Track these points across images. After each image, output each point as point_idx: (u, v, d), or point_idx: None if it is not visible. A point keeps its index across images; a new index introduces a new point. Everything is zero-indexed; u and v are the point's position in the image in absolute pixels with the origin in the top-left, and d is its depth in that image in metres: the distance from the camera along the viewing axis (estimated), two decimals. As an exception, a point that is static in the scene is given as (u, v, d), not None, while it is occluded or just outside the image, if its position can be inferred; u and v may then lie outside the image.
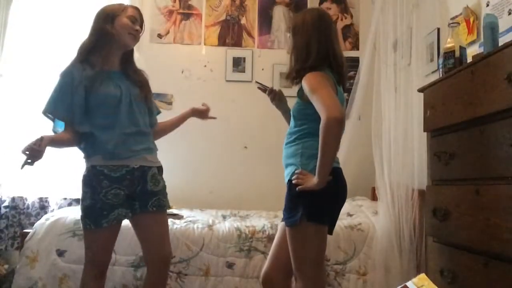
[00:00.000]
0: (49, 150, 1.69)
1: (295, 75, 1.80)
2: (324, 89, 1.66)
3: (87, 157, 1.86)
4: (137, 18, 1.92)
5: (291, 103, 1.91)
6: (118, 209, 1.80)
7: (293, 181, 1.69)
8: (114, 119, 1.83)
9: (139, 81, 1.95)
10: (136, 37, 1.91)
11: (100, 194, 1.78)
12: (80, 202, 1.85)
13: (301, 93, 1.78)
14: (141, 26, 1.95)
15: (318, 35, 1.77)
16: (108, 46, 1.87)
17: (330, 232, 1.82)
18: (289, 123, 1.97)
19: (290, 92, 2.09)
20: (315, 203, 1.67)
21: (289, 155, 1.80)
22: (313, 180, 1.64)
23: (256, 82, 2.10)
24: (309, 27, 1.79)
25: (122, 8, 1.90)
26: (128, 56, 1.97)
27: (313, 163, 1.67)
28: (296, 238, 1.72)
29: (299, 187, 1.66)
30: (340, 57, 1.81)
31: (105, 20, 1.86)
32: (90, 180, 1.81)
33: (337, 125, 1.58)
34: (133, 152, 1.86)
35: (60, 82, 1.82)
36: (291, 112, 1.86)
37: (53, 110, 1.83)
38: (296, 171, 1.71)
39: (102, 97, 1.81)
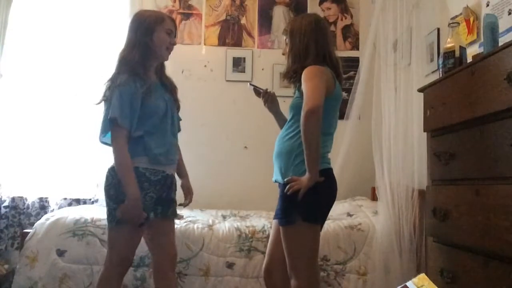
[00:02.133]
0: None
1: (292, 74, 1.86)
2: (315, 80, 1.71)
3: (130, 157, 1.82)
4: (173, 30, 1.96)
5: (288, 103, 1.92)
6: (151, 212, 1.85)
7: (288, 193, 1.71)
8: (161, 128, 1.90)
9: (173, 89, 2.04)
10: (171, 50, 1.97)
11: (140, 195, 1.80)
12: (113, 200, 1.82)
13: (300, 86, 1.81)
14: (175, 35, 2.00)
15: (315, 37, 1.85)
16: (150, 59, 1.92)
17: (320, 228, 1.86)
18: (280, 126, 2.02)
19: (290, 93, 2.09)
20: (309, 204, 1.71)
21: (282, 151, 1.83)
22: (306, 179, 1.68)
23: (250, 84, 2.09)
24: (307, 30, 1.85)
25: (160, 20, 1.92)
26: (161, 65, 2.02)
27: (305, 166, 1.70)
28: (291, 238, 1.76)
29: (300, 192, 1.68)
30: (336, 59, 1.89)
31: (146, 33, 1.88)
32: None
33: (311, 117, 1.64)
34: (171, 160, 1.95)
35: (121, 91, 1.80)
36: (289, 107, 1.89)
37: (121, 118, 1.78)
38: (286, 180, 1.74)
39: (154, 108, 1.87)
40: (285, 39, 1.94)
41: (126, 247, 1.87)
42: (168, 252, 1.98)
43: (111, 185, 1.84)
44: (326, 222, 2.52)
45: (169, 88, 2.03)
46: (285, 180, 1.75)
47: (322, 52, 1.83)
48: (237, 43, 3.75)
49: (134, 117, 1.82)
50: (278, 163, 1.85)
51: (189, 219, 2.69)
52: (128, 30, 1.93)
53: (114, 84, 1.83)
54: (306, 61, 1.80)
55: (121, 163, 1.80)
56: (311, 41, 1.83)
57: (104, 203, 1.90)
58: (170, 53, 1.98)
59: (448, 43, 1.85)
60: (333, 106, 1.84)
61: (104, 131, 1.88)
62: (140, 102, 1.82)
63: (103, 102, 1.88)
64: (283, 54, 1.96)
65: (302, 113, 1.66)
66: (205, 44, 3.74)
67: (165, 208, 1.93)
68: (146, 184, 1.83)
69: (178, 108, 2.06)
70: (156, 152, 1.85)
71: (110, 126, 1.82)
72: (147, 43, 1.88)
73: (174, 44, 1.97)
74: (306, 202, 1.69)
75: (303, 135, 1.67)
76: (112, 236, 1.89)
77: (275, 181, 1.90)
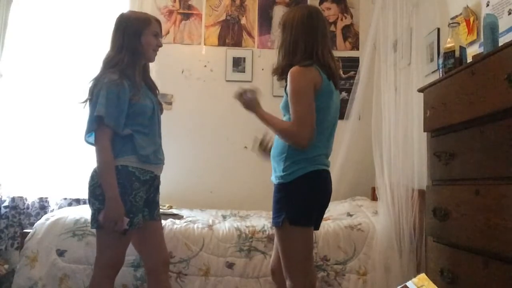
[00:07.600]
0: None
1: (281, 71, 1.83)
2: (304, 99, 1.68)
3: (117, 156, 1.81)
4: (159, 32, 1.97)
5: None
6: (140, 213, 1.84)
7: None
8: (149, 128, 1.89)
9: (156, 91, 2.04)
10: (157, 51, 1.97)
11: (130, 196, 1.79)
12: (99, 200, 1.78)
13: (286, 87, 1.79)
14: (161, 36, 2.01)
15: (305, 33, 1.78)
16: (139, 61, 1.91)
17: (317, 227, 1.86)
18: None
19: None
20: (297, 208, 1.71)
21: (275, 151, 1.83)
22: (256, 109, 1.80)
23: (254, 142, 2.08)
24: (298, 24, 1.79)
25: (147, 23, 1.91)
26: (146, 67, 2.01)
27: (298, 171, 1.70)
28: (281, 239, 1.77)
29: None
30: (327, 58, 1.78)
31: (134, 37, 1.87)
32: (122, 180, 1.78)
33: (297, 143, 1.69)
34: (160, 160, 1.94)
35: (109, 89, 1.78)
36: (280, 107, 1.86)
37: (106, 116, 1.77)
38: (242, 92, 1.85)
39: (142, 107, 1.86)
40: (279, 32, 1.89)
41: (115, 251, 1.84)
42: (160, 254, 1.97)
43: (96, 184, 1.80)
44: (326, 222, 2.54)
45: (153, 89, 2.03)
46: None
47: (310, 49, 1.76)
48: (237, 43, 3.75)
49: (121, 116, 1.79)
50: (272, 163, 1.85)
51: (189, 219, 2.69)
52: (114, 32, 1.91)
53: (101, 82, 1.80)
54: (294, 58, 1.76)
55: (104, 162, 1.77)
56: (300, 37, 1.77)
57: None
58: (156, 55, 1.98)
59: (448, 43, 1.85)
60: (324, 102, 1.76)
61: (89, 131, 1.85)
62: (128, 101, 1.81)
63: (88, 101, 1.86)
64: (276, 48, 1.91)
65: (292, 132, 1.69)
66: (205, 44, 3.74)
67: (152, 210, 1.94)
68: (136, 184, 1.82)
69: (161, 110, 2.04)
70: (147, 152, 1.84)
71: (95, 124, 1.79)
72: (136, 46, 1.87)
73: (160, 46, 1.97)
74: (291, 205, 1.70)
75: (279, 136, 1.74)
76: (101, 240, 1.84)
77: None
